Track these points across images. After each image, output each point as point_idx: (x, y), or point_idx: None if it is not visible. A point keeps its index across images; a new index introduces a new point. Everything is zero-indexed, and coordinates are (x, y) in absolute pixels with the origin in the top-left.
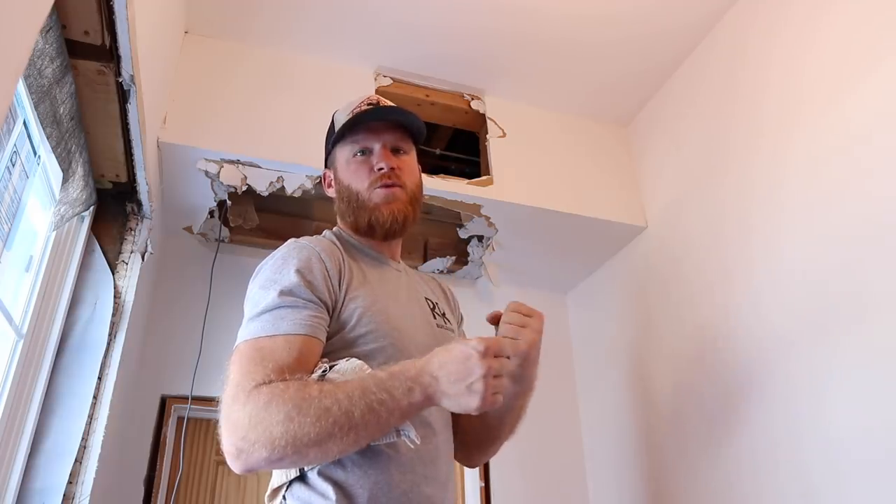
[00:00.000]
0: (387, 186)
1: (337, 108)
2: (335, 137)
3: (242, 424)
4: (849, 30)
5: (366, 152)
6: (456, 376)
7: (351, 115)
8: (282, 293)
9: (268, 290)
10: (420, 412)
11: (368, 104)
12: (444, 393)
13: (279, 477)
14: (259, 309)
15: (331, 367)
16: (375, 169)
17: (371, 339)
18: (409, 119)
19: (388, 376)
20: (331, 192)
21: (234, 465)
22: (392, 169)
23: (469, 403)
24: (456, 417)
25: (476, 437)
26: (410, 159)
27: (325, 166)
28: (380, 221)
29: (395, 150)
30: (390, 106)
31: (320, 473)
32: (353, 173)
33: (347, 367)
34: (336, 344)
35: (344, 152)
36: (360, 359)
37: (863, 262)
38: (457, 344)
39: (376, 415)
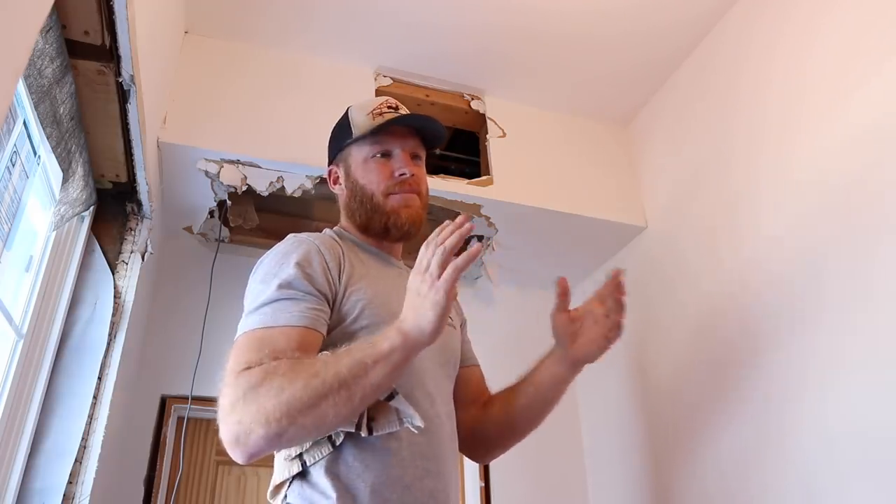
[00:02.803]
0: (404, 193)
1: (350, 105)
2: (355, 136)
3: (237, 407)
4: (854, 27)
5: (386, 155)
6: (415, 301)
7: (371, 116)
8: (280, 286)
9: (267, 284)
10: (405, 360)
11: (388, 107)
12: (417, 322)
13: (281, 473)
14: (258, 302)
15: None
16: (396, 174)
17: (374, 332)
18: (435, 127)
19: (371, 334)
20: (337, 189)
21: (236, 454)
22: (412, 176)
23: (435, 301)
24: (461, 416)
25: (485, 434)
26: (424, 167)
27: (332, 162)
28: (397, 225)
29: (414, 157)
30: (416, 114)
31: (322, 469)
32: (372, 174)
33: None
34: (337, 336)
35: (362, 151)
36: None
37: (868, 260)
38: None
39: (363, 366)
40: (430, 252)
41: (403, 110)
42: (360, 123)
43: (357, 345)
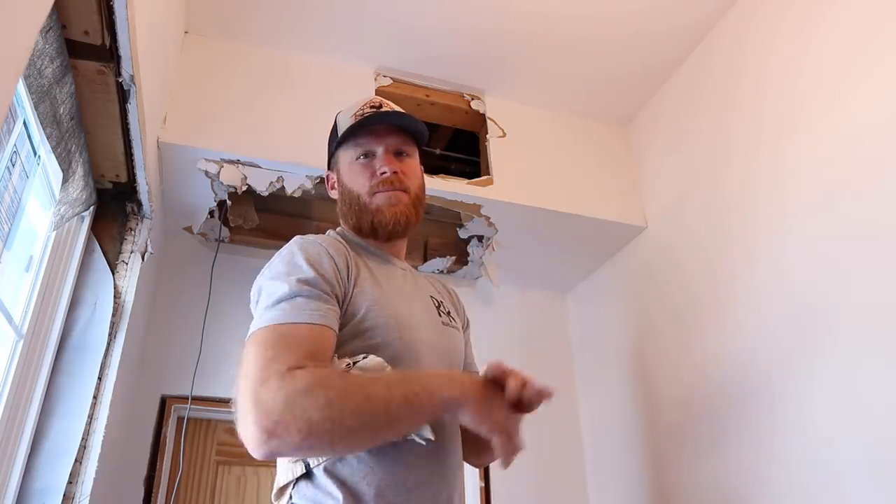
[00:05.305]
0: (388, 191)
1: (340, 110)
2: (338, 140)
3: (276, 407)
4: (849, 29)
5: (368, 155)
6: (480, 404)
7: (353, 119)
8: (299, 281)
9: (282, 281)
10: (441, 415)
11: (371, 107)
12: (468, 405)
13: (285, 475)
14: (275, 298)
15: (354, 363)
16: (378, 173)
17: (378, 334)
18: (410, 122)
19: (423, 373)
20: (333, 194)
21: (258, 449)
22: (395, 173)
23: (480, 429)
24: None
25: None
26: (413, 162)
27: (328, 168)
28: (382, 223)
29: (398, 154)
30: (393, 110)
31: (326, 471)
32: (356, 176)
33: (369, 363)
34: (344, 336)
35: (347, 155)
36: (366, 352)
37: (865, 261)
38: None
39: (410, 407)
40: (515, 389)
41: (388, 107)
42: (344, 127)
43: (411, 377)
